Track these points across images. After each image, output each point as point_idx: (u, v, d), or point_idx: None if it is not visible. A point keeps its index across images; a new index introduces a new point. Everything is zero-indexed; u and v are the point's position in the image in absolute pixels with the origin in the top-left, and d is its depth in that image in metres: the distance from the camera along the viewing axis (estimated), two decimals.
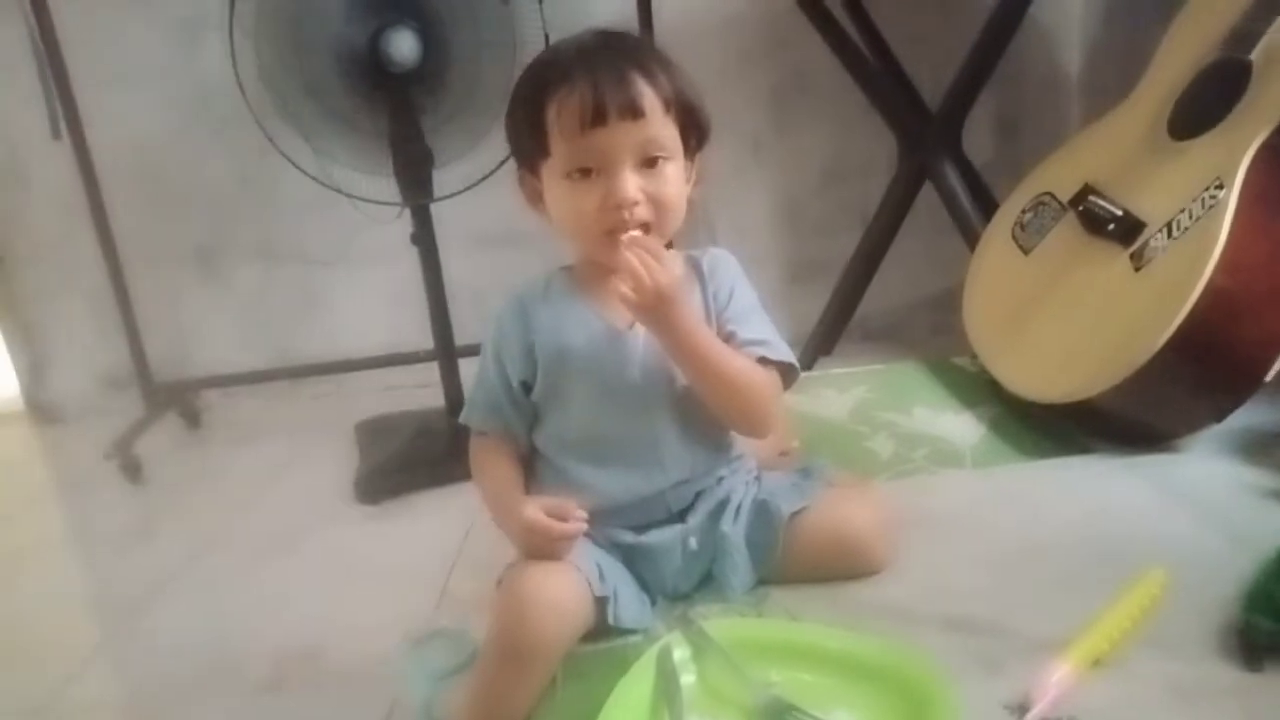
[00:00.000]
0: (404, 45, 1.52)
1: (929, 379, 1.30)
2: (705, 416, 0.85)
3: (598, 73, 0.76)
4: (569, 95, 0.76)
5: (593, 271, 0.84)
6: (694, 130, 0.82)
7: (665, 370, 0.83)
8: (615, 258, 0.79)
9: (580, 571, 0.77)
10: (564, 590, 0.75)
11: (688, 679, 0.69)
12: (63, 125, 1.94)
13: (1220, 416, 1.01)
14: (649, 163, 0.78)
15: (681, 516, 0.85)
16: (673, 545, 0.83)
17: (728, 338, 0.85)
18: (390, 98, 1.57)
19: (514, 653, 0.73)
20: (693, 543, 0.84)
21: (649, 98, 0.77)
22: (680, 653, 0.71)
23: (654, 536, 0.83)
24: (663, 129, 0.78)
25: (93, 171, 2.01)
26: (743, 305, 0.86)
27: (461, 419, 0.90)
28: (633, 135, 0.77)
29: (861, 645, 0.71)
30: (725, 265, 0.88)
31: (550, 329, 0.84)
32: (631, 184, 0.77)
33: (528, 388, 0.85)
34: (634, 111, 0.76)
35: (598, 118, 0.76)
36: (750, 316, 0.86)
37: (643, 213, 0.78)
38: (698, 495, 0.86)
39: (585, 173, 0.78)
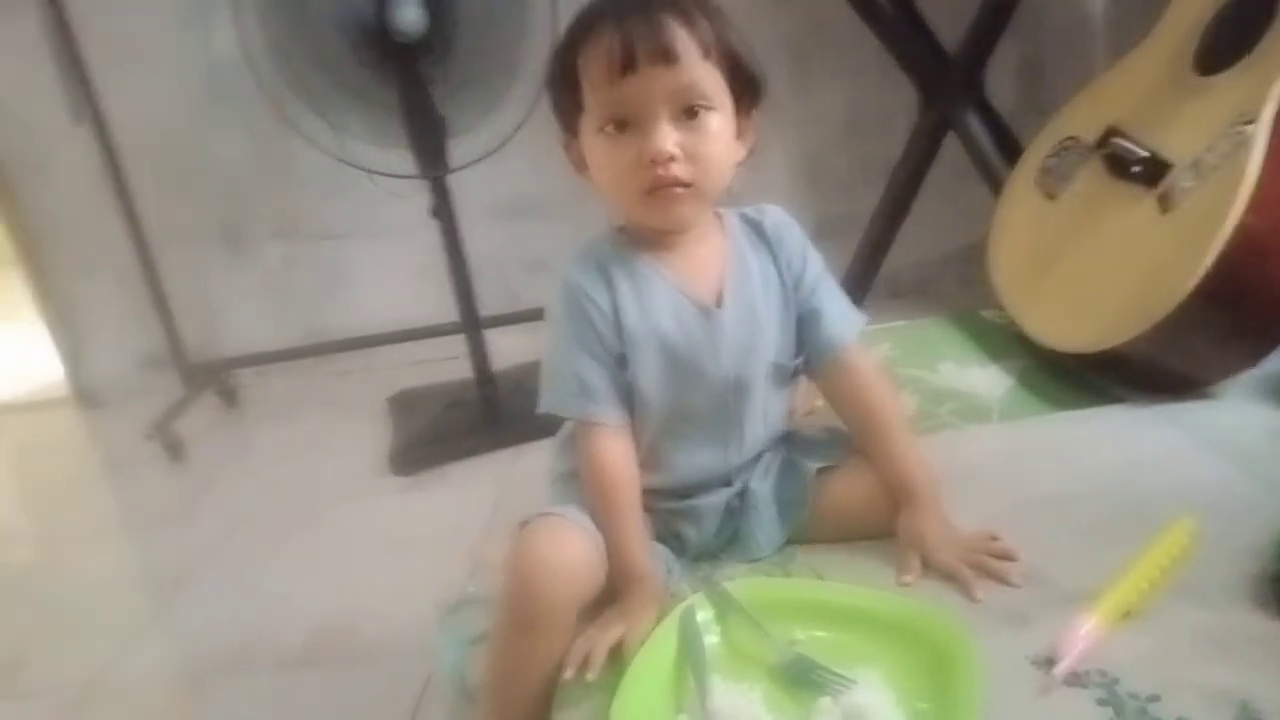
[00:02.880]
0: (410, 14, 1.51)
1: (955, 333, 1.27)
2: (782, 394, 0.84)
3: (627, 18, 0.72)
4: (597, 43, 0.72)
5: (655, 236, 0.80)
6: (742, 83, 0.76)
7: (754, 350, 0.80)
8: (655, 219, 0.76)
9: (589, 534, 0.76)
10: (572, 553, 0.74)
11: (711, 640, 0.70)
12: (83, 111, 1.96)
13: (1255, 361, 0.98)
14: (689, 113, 0.72)
15: (729, 481, 0.84)
16: (718, 506, 0.83)
17: (812, 314, 0.83)
18: (400, 68, 1.57)
19: (523, 617, 0.73)
20: (735, 502, 0.84)
21: (683, 40, 0.71)
22: (703, 614, 0.71)
23: (703, 499, 0.83)
24: (702, 76, 0.72)
25: (114, 155, 2.04)
26: (816, 273, 0.83)
27: (569, 411, 0.80)
28: (667, 82, 0.71)
29: (884, 602, 0.71)
30: (791, 231, 0.84)
31: (635, 302, 0.77)
32: (668, 137, 0.71)
33: (622, 360, 0.78)
34: (666, 55, 0.70)
35: (627, 63, 0.70)
36: (825, 284, 0.83)
37: (681, 170, 0.72)
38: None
39: (621, 126, 0.73)
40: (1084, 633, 0.65)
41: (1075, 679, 0.62)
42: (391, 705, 1.14)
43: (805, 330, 0.84)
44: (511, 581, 0.74)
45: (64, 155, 2.18)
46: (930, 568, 0.76)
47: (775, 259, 0.82)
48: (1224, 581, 0.70)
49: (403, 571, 1.43)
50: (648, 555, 0.78)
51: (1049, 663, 0.63)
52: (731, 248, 0.82)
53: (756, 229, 0.83)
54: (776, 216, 0.84)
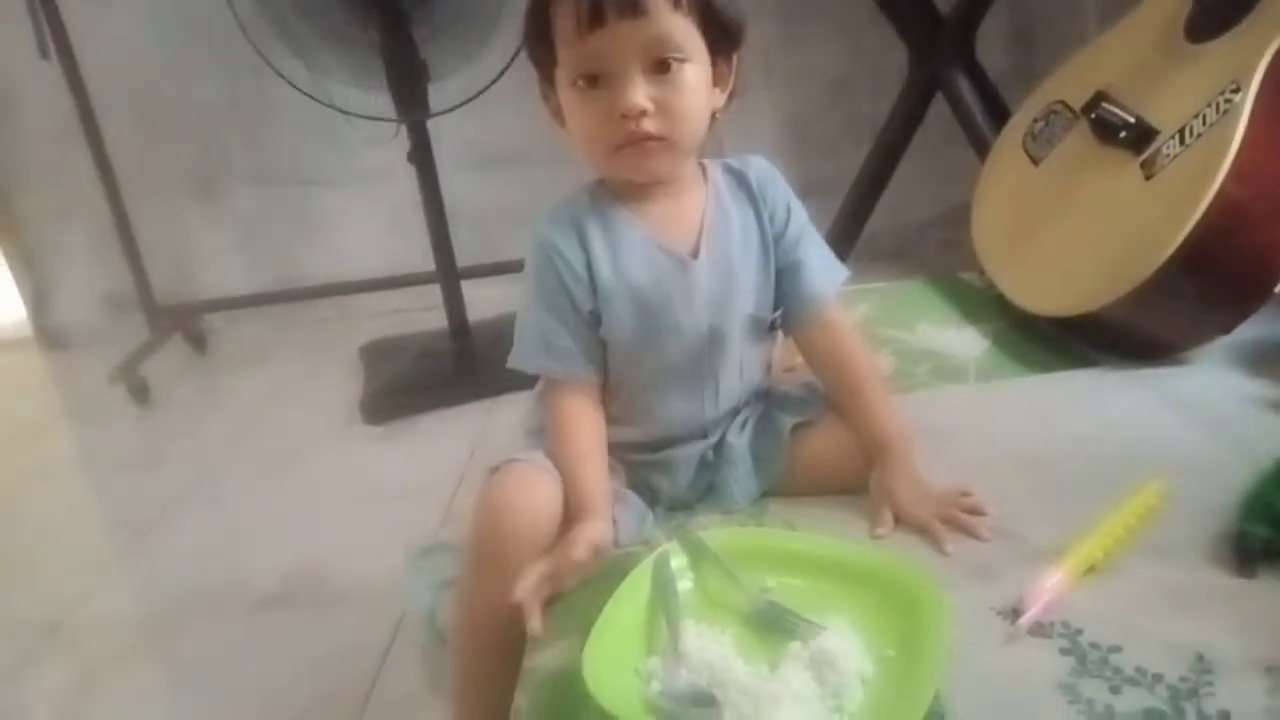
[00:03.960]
0: None
1: (934, 295, 1.28)
2: (759, 346, 0.84)
3: None
4: None
5: (633, 188, 0.78)
6: (718, 30, 0.74)
7: (729, 302, 0.80)
8: (628, 172, 0.76)
9: (558, 479, 0.76)
10: (541, 496, 0.74)
11: (684, 585, 0.70)
12: (51, 45, 1.90)
13: (1228, 328, 0.99)
14: (661, 66, 0.71)
15: (705, 434, 0.84)
16: (692, 458, 0.84)
17: (794, 266, 0.82)
18: (381, 9, 1.54)
19: (489, 559, 0.73)
20: (710, 455, 0.84)
21: None
22: (677, 561, 0.72)
23: (677, 451, 0.83)
24: (673, 27, 0.70)
25: (85, 93, 1.99)
26: (799, 225, 0.82)
27: (532, 367, 0.80)
28: (636, 35, 0.69)
29: (852, 551, 0.72)
30: (775, 181, 0.83)
31: (608, 256, 0.77)
32: (639, 91, 0.70)
33: (594, 317, 0.78)
34: (635, 8, 0.69)
35: (595, 17, 0.69)
36: (808, 236, 0.83)
37: (653, 124, 0.71)
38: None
39: (592, 81, 0.71)
40: (1049, 586, 0.66)
41: (1039, 630, 0.64)
42: (363, 648, 1.15)
43: (786, 282, 0.83)
44: (480, 523, 0.74)
45: (32, 92, 2.12)
46: (902, 522, 0.77)
47: (757, 211, 0.82)
48: (1187, 540, 0.71)
49: (373, 518, 1.42)
50: (606, 497, 0.77)
51: (1014, 614, 0.65)
52: (712, 198, 0.81)
53: (740, 180, 0.82)
54: (761, 167, 0.83)
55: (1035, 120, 1.22)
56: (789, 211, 0.82)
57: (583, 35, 0.70)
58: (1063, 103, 1.19)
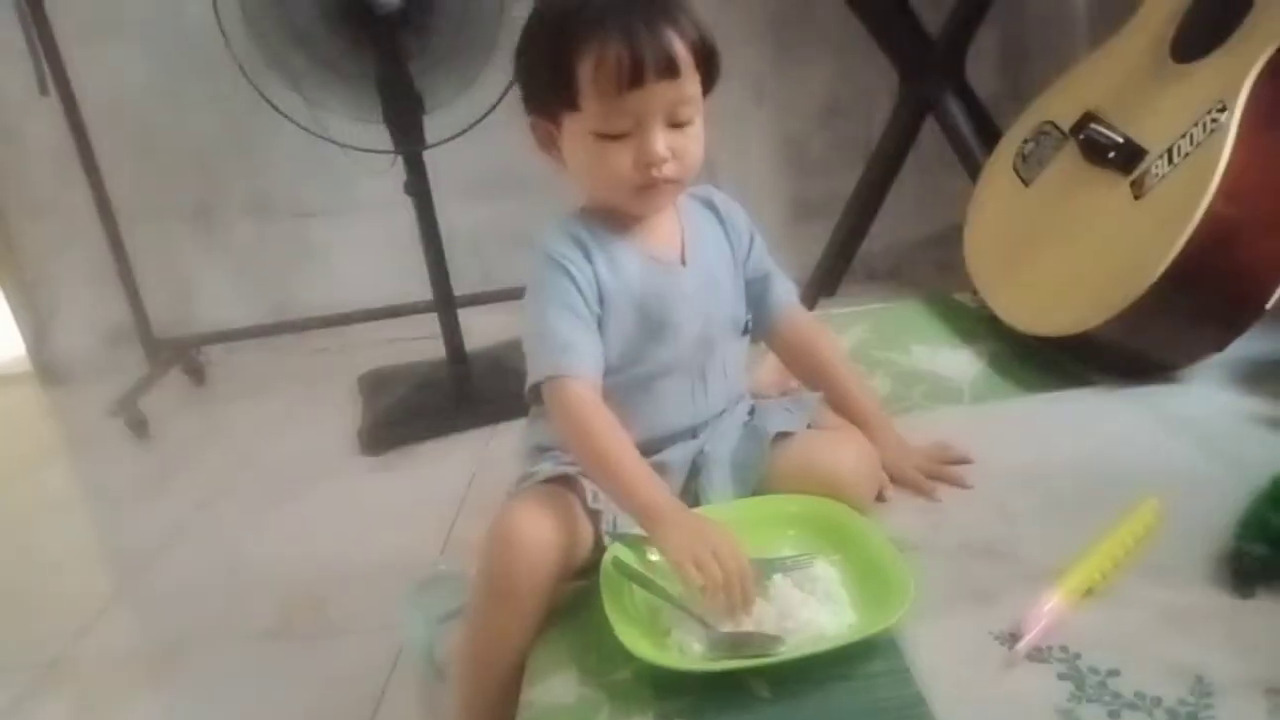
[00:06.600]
0: None
1: (928, 316, 1.28)
2: (736, 345, 0.89)
3: (632, 27, 0.72)
4: (604, 52, 0.73)
5: (620, 214, 0.83)
6: (713, 76, 0.80)
7: (713, 303, 0.86)
8: (640, 209, 0.82)
9: (568, 507, 0.76)
10: (554, 525, 0.74)
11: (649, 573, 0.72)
12: (50, 81, 1.92)
13: (1221, 346, 1.00)
14: (679, 121, 0.77)
15: (695, 434, 0.86)
16: (684, 461, 0.85)
17: (764, 278, 0.91)
18: (376, 41, 1.55)
19: (501, 591, 0.74)
20: (700, 459, 0.85)
21: (682, 53, 0.74)
22: (625, 555, 0.73)
23: (670, 453, 0.84)
24: (693, 85, 0.77)
25: (83, 128, 2.00)
26: (761, 247, 0.91)
27: (559, 371, 0.77)
28: (667, 95, 0.75)
29: (774, 501, 0.81)
30: (737, 210, 0.91)
31: (608, 266, 0.81)
32: (662, 142, 0.76)
33: (598, 322, 0.81)
34: (671, 70, 0.74)
35: (635, 79, 0.73)
36: (767, 258, 0.92)
37: (671, 170, 0.77)
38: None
39: (617, 136, 0.76)
40: (1047, 610, 0.65)
41: (1038, 654, 0.63)
42: (363, 679, 1.14)
43: (757, 292, 0.92)
44: (491, 556, 0.75)
45: (31, 127, 2.13)
46: (896, 481, 0.86)
47: (725, 230, 0.89)
48: (1185, 560, 0.71)
49: (373, 548, 1.42)
50: (660, 484, 0.75)
51: (1012, 638, 0.64)
52: (685, 218, 0.87)
53: (707, 204, 0.90)
54: (723, 197, 0.91)
55: (1025, 141, 1.23)
56: (752, 236, 0.91)
57: (620, 94, 0.74)
58: (1052, 123, 1.20)
